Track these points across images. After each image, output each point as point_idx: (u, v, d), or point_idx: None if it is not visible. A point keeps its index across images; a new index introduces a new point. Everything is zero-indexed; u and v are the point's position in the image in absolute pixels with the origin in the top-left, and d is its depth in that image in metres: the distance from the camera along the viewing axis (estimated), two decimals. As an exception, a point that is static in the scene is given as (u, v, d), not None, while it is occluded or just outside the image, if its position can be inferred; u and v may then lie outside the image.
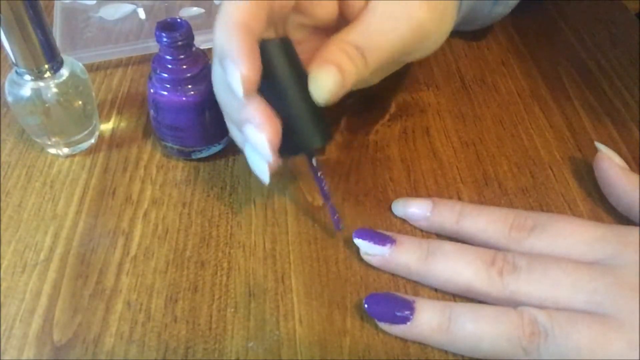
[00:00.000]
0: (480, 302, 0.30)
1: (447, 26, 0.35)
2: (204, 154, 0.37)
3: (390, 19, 0.31)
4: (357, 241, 0.32)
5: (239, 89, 0.27)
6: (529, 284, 0.28)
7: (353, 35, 0.31)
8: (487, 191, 0.36)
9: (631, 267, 0.28)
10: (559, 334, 0.26)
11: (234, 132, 0.33)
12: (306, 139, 0.30)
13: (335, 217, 0.33)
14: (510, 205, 0.35)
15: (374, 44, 0.31)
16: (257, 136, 0.29)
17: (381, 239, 0.31)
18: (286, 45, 0.30)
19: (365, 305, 0.29)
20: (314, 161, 0.32)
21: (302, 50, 0.31)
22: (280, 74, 0.29)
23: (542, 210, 0.35)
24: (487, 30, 0.48)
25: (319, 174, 0.32)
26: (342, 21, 0.33)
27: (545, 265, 0.29)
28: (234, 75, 0.27)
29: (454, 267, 0.30)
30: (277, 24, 0.32)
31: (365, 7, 0.32)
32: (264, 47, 0.29)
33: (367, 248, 0.32)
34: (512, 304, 0.28)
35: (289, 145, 0.30)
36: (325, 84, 0.29)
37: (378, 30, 0.31)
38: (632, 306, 0.27)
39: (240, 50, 0.27)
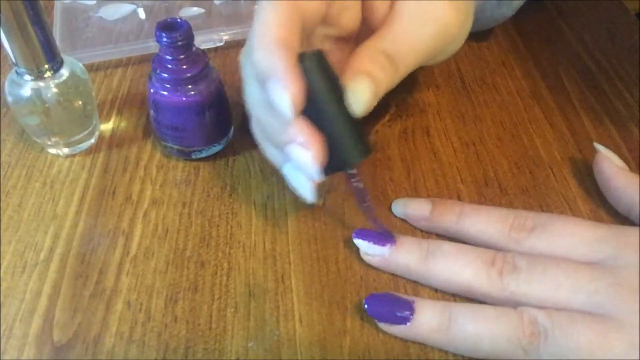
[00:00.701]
0: (480, 302, 0.30)
1: (468, 26, 0.34)
2: (204, 154, 0.37)
3: (417, 23, 0.31)
4: (357, 241, 0.32)
5: (288, 110, 0.26)
6: (528, 285, 0.28)
7: (382, 42, 0.30)
8: (487, 191, 0.36)
9: (631, 268, 0.28)
10: (559, 334, 0.26)
11: (270, 152, 0.32)
12: (348, 154, 0.29)
13: (385, 233, 0.32)
14: (510, 205, 0.35)
15: (403, 50, 0.30)
16: (303, 155, 0.28)
17: (381, 239, 0.31)
18: (321, 58, 0.28)
19: (365, 306, 0.29)
20: (355, 178, 0.30)
21: None
22: (318, 89, 0.28)
23: (542, 210, 0.35)
24: (487, 31, 0.48)
25: (362, 192, 0.31)
26: (365, 30, 0.32)
27: (545, 265, 0.29)
28: (282, 97, 0.26)
29: (454, 267, 0.30)
30: (303, 37, 0.31)
31: (391, 13, 0.31)
32: (300, 61, 0.27)
33: (366, 248, 0.32)
34: (512, 304, 0.28)
35: (329, 161, 0.28)
36: (361, 95, 0.28)
37: (407, 36, 0.31)
38: (633, 307, 0.27)
39: (286, 69, 0.26)
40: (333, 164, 0.29)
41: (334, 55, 0.31)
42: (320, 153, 0.28)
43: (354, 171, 0.30)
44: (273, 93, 0.27)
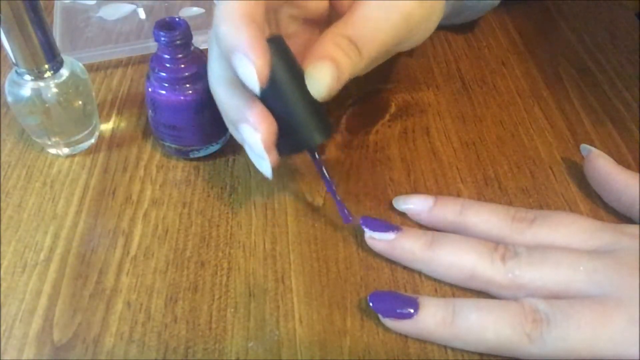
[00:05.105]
0: (482, 297, 0.30)
1: (436, 16, 0.35)
2: (202, 154, 0.37)
3: (381, 10, 0.31)
4: (364, 226, 0.32)
5: (254, 82, 0.27)
6: (530, 267, 0.29)
7: (346, 28, 0.30)
8: (487, 191, 0.36)
9: (629, 250, 0.29)
10: (560, 318, 0.27)
11: (232, 130, 0.33)
12: (307, 135, 0.30)
13: (345, 211, 0.33)
14: (510, 205, 0.35)
15: (367, 36, 0.30)
16: (252, 136, 0.29)
17: (387, 226, 0.32)
18: (279, 42, 0.30)
19: (370, 303, 0.29)
20: (317, 156, 0.32)
21: (292, 44, 0.30)
22: (276, 72, 0.29)
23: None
24: (488, 31, 0.48)
25: (323, 169, 0.32)
26: (333, 14, 0.33)
27: (546, 249, 0.30)
28: (248, 69, 0.27)
29: (458, 252, 0.30)
30: (270, 16, 0.32)
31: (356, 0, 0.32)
32: None
33: (372, 232, 0.32)
34: (514, 288, 0.29)
35: (290, 142, 0.30)
36: (322, 79, 0.29)
37: (370, 23, 0.31)
38: (631, 283, 0.27)
39: (252, 42, 0.27)
40: (294, 145, 0.31)
41: (300, 38, 0.32)
42: (269, 134, 0.29)
43: (317, 156, 0.32)
44: (239, 66, 0.27)
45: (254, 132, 0.29)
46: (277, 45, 0.29)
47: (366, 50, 0.30)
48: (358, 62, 0.30)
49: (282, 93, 0.29)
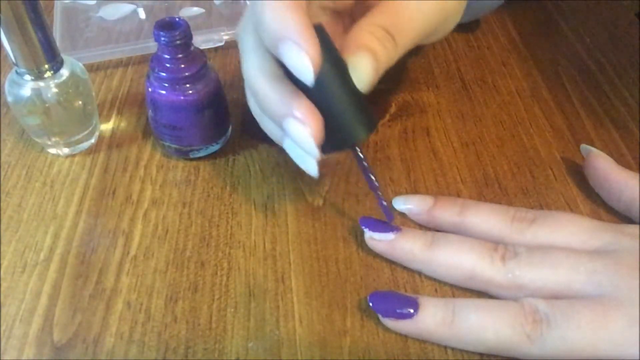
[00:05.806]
0: (482, 297, 0.30)
1: (462, 6, 0.34)
2: (202, 154, 0.37)
3: (416, 0, 0.30)
4: (363, 227, 0.32)
5: (308, 73, 0.26)
6: (530, 267, 0.29)
7: (381, 18, 0.30)
8: (487, 191, 0.36)
9: (629, 251, 0.29)
10: (560, 319, 0.27)
11: (269, 126, 0.32)
12: (351, 131, 0.28)
13: (386, 208, 0.32)
14: (510, 205, 0.35)
15: (402, 25, 0.30)
16: (300, 131, 0.27)
17: (387, 226, 0.32)
18: (321, 31, 0.28)
19: (370, 303, 0.29)
20: (359, 152, 0.31)
21: None
22: (322, 63, 0.27)
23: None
24: (488, 31, 0.48)
25: (365, 165, 0.31)
26: (360, 6, 0.32)
27: (546, 250, 0.30)
28: (301, 59, 0.26)
29: (458, 252, 0.30)
30: None
31: None
32: None
33: (372, 232, 0.32)
34: (514, 289, 0.29)
35: (333, 138, 0.28)
36: (364, 70, 0.28)
37: (405, 12, 0.30)
38: (631, 284, 0.27)
39: (303, 30, 0.26)
40: (337, 141, 0.29)
41: (328, 28, 0.31)
42: (318, 129, 0.27)
43: (359, 149, 0.30)
44: (289, 55, 0.26)
45: (303, 127, 0.27)
46: (321, 35, 0.27)
47: (401, 41, 0.30)
48: (393, 53, 0.29)
49: (327, 85, 0.27)
